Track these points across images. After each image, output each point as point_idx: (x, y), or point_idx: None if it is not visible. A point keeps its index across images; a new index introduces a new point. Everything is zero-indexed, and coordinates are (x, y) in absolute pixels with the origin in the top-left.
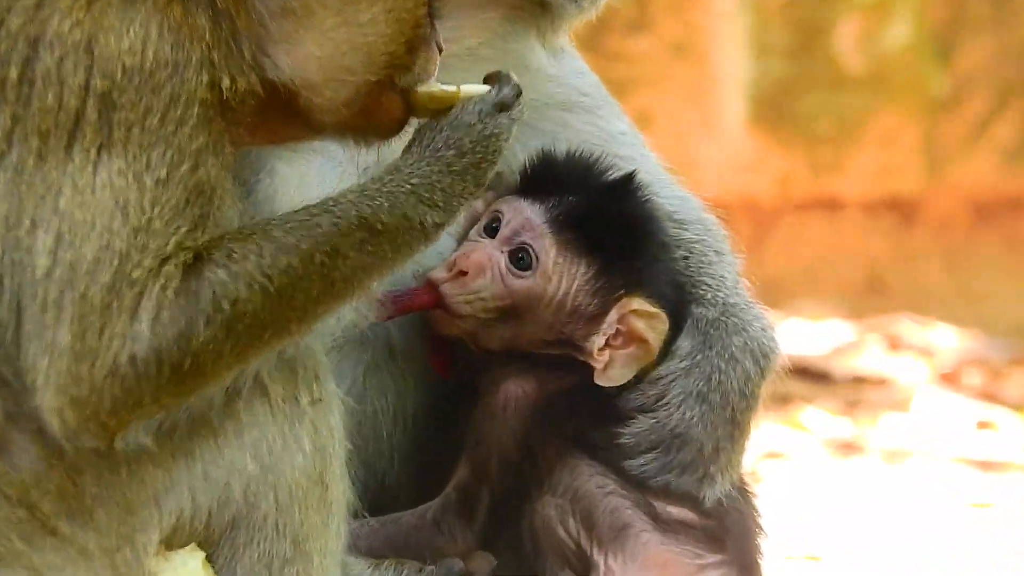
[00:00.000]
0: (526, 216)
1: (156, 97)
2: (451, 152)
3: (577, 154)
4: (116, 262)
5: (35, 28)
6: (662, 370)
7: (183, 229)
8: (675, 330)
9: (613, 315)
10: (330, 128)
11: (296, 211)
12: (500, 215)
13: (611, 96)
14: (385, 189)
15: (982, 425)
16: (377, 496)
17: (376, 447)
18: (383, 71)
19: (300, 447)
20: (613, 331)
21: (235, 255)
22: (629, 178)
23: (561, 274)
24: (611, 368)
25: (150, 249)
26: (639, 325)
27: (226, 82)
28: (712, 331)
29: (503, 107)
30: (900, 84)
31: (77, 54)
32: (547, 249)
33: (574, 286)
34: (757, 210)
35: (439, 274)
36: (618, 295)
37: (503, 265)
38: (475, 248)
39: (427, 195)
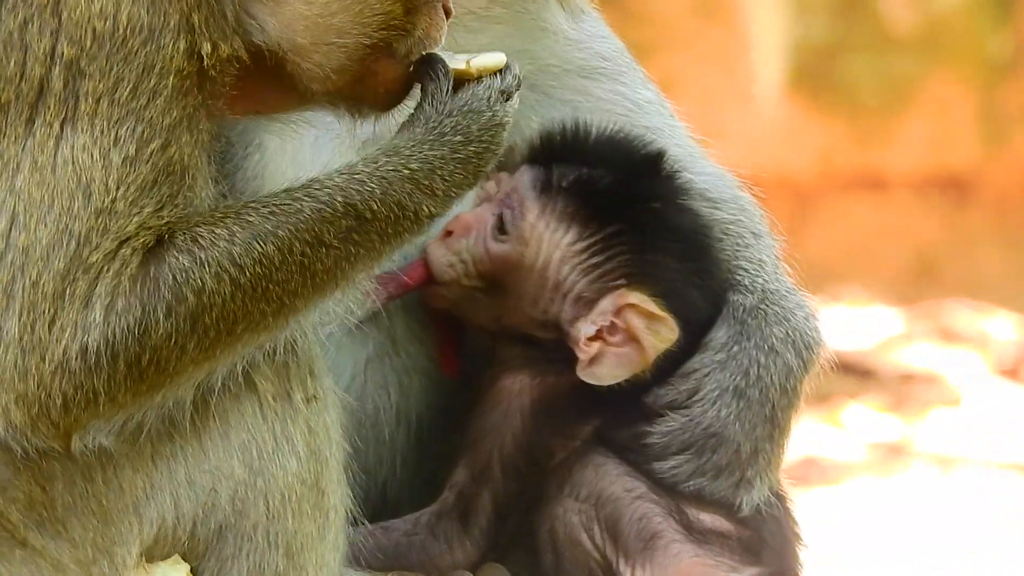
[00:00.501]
0: (518, 180)
1: (128, 66)
2: (458, 138)
3: (602, 126)
4: (73, 246)
5: None
6: (695, 363)
7: (147, 209)
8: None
9: (607, 304)
10: (321, 97)
11: (276, 193)
12: (500, 180)
13: (635, 62)
14: (378, 173)
15: None
16: (378, 503)
17: (377, 449)
18: (378, 34)
19: (293, 449)
20: (607, 323)
21: (202, 240)
22: (657, 157)
23: (540, 240)
24: (597, 364)
25: (111, 231)
26: (635, 323)
27: (206, 47)
28: (750, 320)
29: (507, 95)
30: (954, 46)
31: (43, 17)
32: (525, 212)
33: (555, 256)
34: (795, 187)
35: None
36: (616, 283)
37: (488, 228)
38: (470, 212)
39: (426, 182)
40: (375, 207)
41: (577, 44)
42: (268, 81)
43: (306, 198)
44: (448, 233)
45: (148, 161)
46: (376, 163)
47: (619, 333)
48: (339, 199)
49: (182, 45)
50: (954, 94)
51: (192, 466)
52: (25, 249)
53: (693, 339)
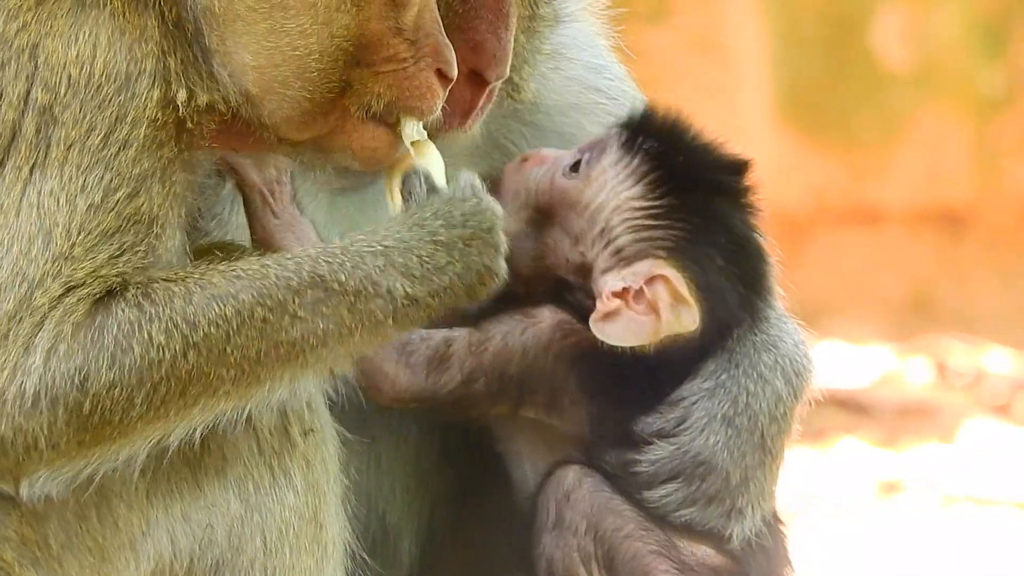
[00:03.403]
0: (608, 134)
1: (100, 114)
2: (438, 222)
3: (701, 128)
4: (24, 288)
5: None
6: (683, 391)
7: (102, 255)
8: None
9: (643, 267)
10: (289, 148)
11: (245, 259)
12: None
13: (635, 89)
14: (352, 248)
15: None
16: (378, 533)
17: (376, 478)
18: (320, 91)
19: (290, 483)
20: (637, 285)
21: (156, 295)
22: (743, 165)
23: (604, 184)
24: (611, 321)
25: (62, 275)
26: (663, 296)
27: (182, 95)
28: (739, 348)
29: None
30: (948, 80)
31: (20, 61)
32: (602, 157)
33: (612, 203)
34: (789, 221)
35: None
36: (658, 252)
37: (563, 165)
38: (554, 150)
39: (400, 260)
40: (343, 279)
41: (570, 79)
42: (244, 128)
43: (273, 265)
44: (524, 159)
45: (113, 209)
46: (351, 241)
47: (643, 300)
48: (307, 268)
49: (156, 94)
50: (948, 128)
51: (188, 502)
52: None
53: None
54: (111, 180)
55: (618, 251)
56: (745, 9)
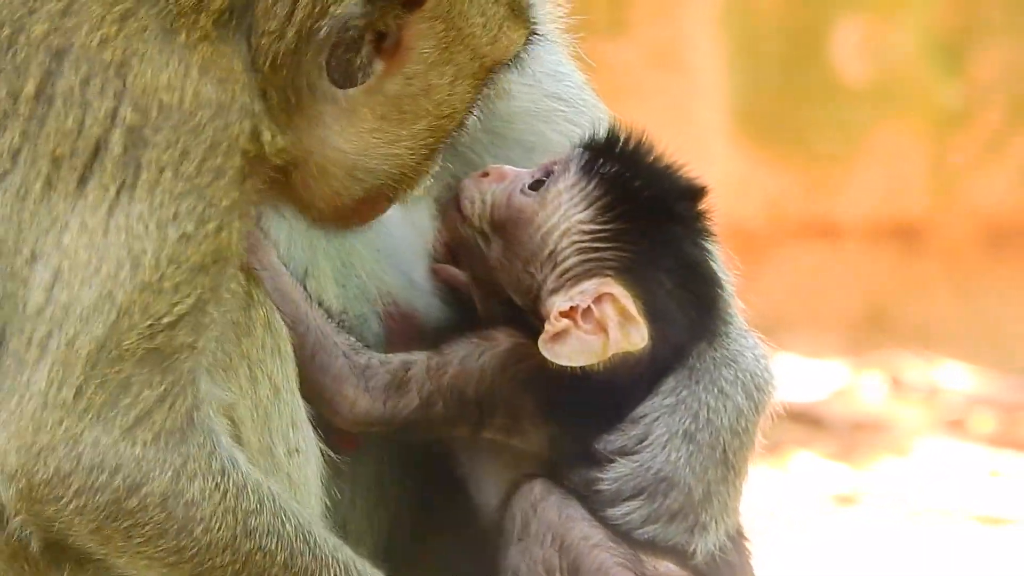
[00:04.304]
0: (571, 155)
1: (196, 140)
2: None
3: (663, 150)
4: (113, 316)
5: (60, 39)
6: (644, 408)
7: (188, 301)
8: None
9: (590, 286)
10: (316, 213)
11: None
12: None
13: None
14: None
15: (994, 475)
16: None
17: (337, 487)
18: (396, 182)
19: None
20: (585, 304)
21: (241, 470)
22: (699, 191)
23: (559, 207)
24: (559, 342)
25: (149, 312)
26: (610, 315)
27: (267, 135)
28: (699, 364)
29: None
30: (905, 96)
31: (106, 75)
32: (560, 180)
33: (563, 226)
34: (746, 236)
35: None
36: (607, 272)
37: (521, 183)
38: (514, 168)
39: None
40: None
41: (530, 86)
42: (282, 183)
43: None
44: (485, 174)
45: (202, 243)
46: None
47: (591, 319)
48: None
49: (247, 125)
50: (905, 143)
51: None
52: (66, 306)
53: (656, 378)
54: (203, 211)
55: (566, 272)
56: (703, 22)
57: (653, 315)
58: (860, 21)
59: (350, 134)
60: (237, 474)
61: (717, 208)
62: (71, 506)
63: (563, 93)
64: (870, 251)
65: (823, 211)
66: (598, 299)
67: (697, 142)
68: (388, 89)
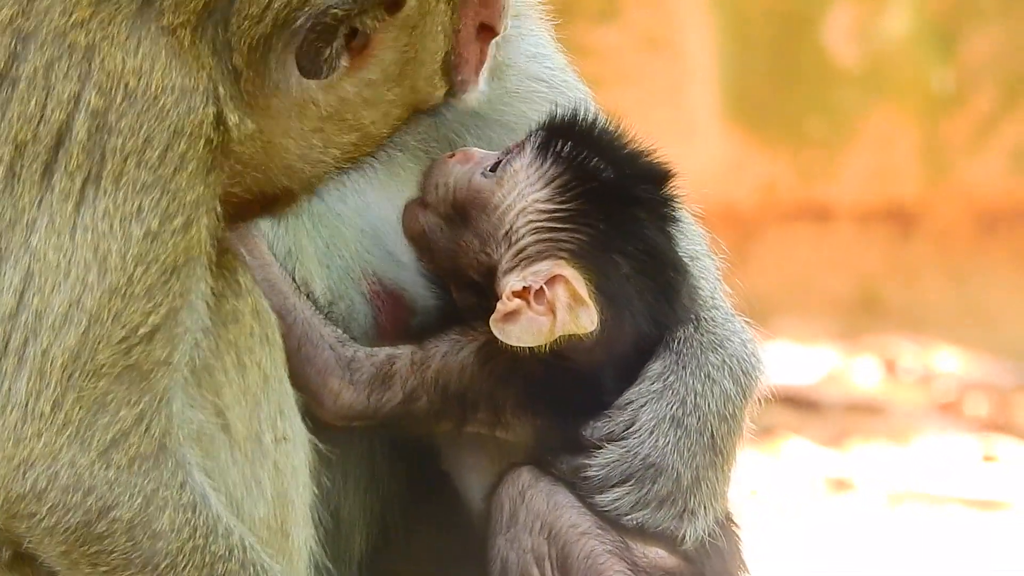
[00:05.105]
0: (527, 138)
1: (159, 125)
2: None
3: (629, 134)
4: (84, 323)
5: (27, 22)
6: (631, 394)
7: (161, 310)
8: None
9: (543, 267)
10: (283, 198)
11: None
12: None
13: (576, 80)
14: None
15: (987, 459)
16: (331, 530)
17: (329, 473)
18: (309, 186)
19: (262, 493)
20: (537, 285)
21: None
22: (665, 175)
23: (514, 187)
24: (510, 322)
25: (121, 319)
26: (560, 297)
27: (233, 119)
28: (686, 349)
29: None
30: (897, 80)
31: (72, 59)
32: (516, 159)
33: (519, 205)
34: (737, 220)
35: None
36: (561, 253)
37: (483, 165)
38: (482, 150)
39: None
40: None
41: (510, 67)
42: (250, 180)
43: None
44: (451, 155)
45: (168, 241)
46: None
47: (543, 301)
48: None
49: (212, 111)
50: (897, 127)
51: None
52: (38, 313)
53: (634, 365)
54: (168, 205)
55: (520, 252)
56: (694, 8)
57: (608, 299)
58: (851, 5)
59: (295, 130)
60: (208, 514)
61: (708, 192)
62: (43, 524)
63: (543, 75)
64: (862, 235)
65: (815, 195)
66: (550, 280)
67: (688, 127)
68: (342, 90)
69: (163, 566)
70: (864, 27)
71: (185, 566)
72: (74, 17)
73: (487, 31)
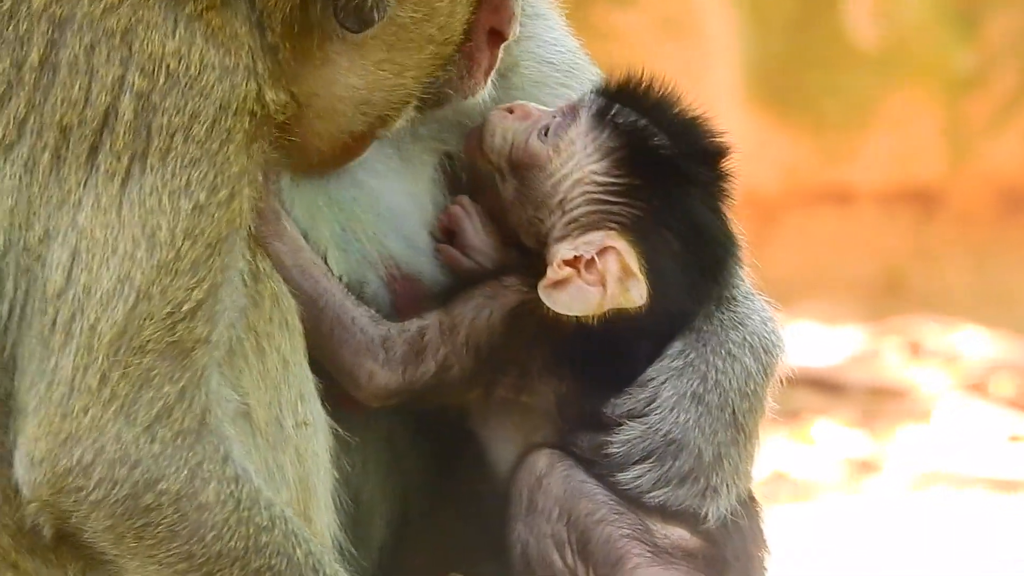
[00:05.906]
0: (585, 100)
1: (205, 101)
2: None
3: (689, 102)
4: (133, 298)
5: (61, 8)
6: (652, 371)
7: (204, 285)
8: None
9: (596, 238)
10: (315, 156)
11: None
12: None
13: (589, 63)
14: None
15: (1014, 439)
16: (351, 514)
17: (349, 457)
18: (392, 114)
19: (284, 478)
20: (588, 255)
21: (253, 485)
22: (721, 152)
23: (570, 156)
24: (559, 289)
25: (168, 297)
26: (611, 268)
27: (270, 94)
28: (706, 326)
29: None
30: (919, 60)
31: (111, 43)
32: (571, 126)
33: (575, 175)
34: (759, 203)
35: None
36: (613, 225)
37: (542, 125)
38: (539, 107)
39: None
40: None
41: (523, 52)
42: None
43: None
44: (511, 110)
45: (215, 214)
46: None
47: (594, 271)
48: None
49: (253, 87)
50: (919, 108)
51: None
52: (86, 288)
53: (668, 342)
54: (215, 178)
55: (573, 221)
56: None
57: (656, 274)
58: None
59: (359, 68)
60: (249, 486)
61: (733, 176)
62: (90, 498)
63: (555, 58)
64: (885, 216)
65: (837, 177)
66: (602, 251)
67: (709, 110)
68: (399, 18)
69: (209, 537)
70: (885, 8)
71: (231, 537)
72: (106, 2)
73: (496, 36)
